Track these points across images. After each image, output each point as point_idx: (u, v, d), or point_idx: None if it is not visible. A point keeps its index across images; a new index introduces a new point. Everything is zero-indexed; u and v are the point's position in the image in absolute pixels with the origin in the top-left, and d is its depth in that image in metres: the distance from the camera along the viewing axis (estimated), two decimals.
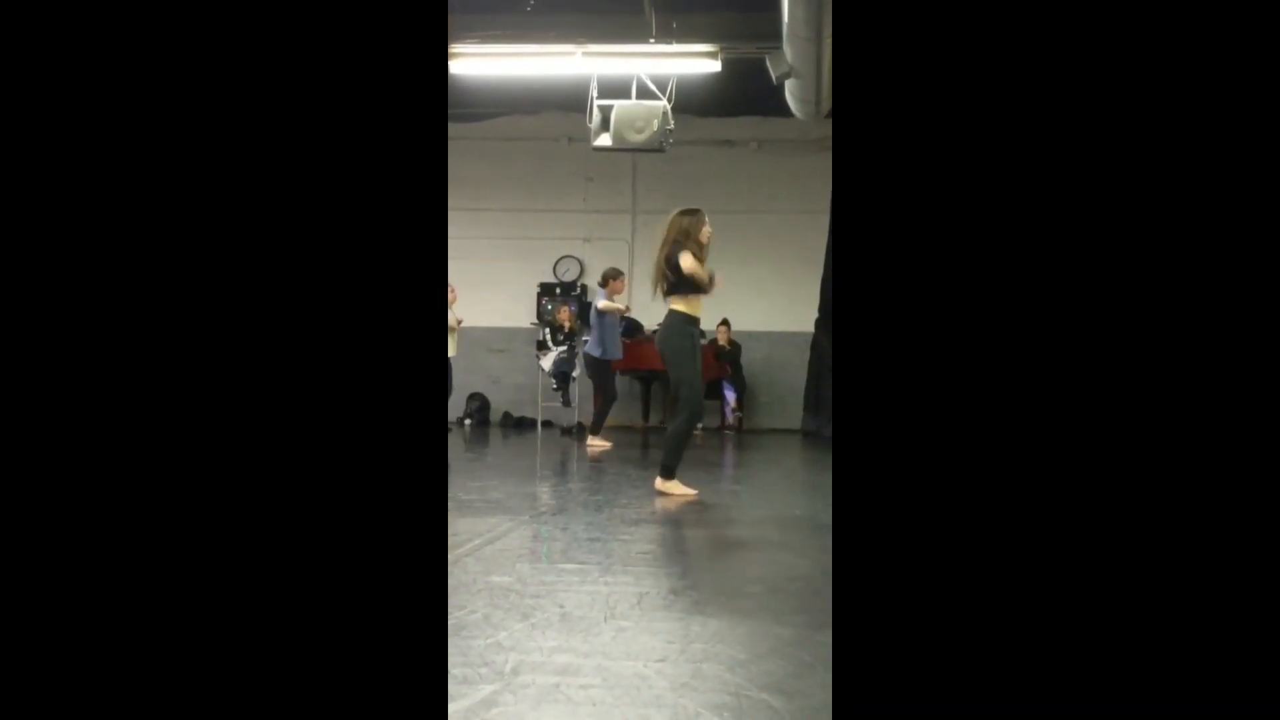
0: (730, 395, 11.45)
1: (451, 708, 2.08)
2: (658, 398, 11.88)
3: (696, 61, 7.99)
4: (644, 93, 7.94)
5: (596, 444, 8.67)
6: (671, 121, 7.85)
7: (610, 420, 10.12)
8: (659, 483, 5.56)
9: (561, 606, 3.00)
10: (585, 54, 7.94)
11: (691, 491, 5.51)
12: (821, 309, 10.98)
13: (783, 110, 9.26)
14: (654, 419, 11.84)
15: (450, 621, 2.79)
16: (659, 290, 5.54)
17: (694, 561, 3.78)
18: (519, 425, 11.94)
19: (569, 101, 9.27)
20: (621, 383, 11.86)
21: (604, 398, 9.06)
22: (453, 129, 12.31)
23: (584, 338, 11.35)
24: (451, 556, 3.74)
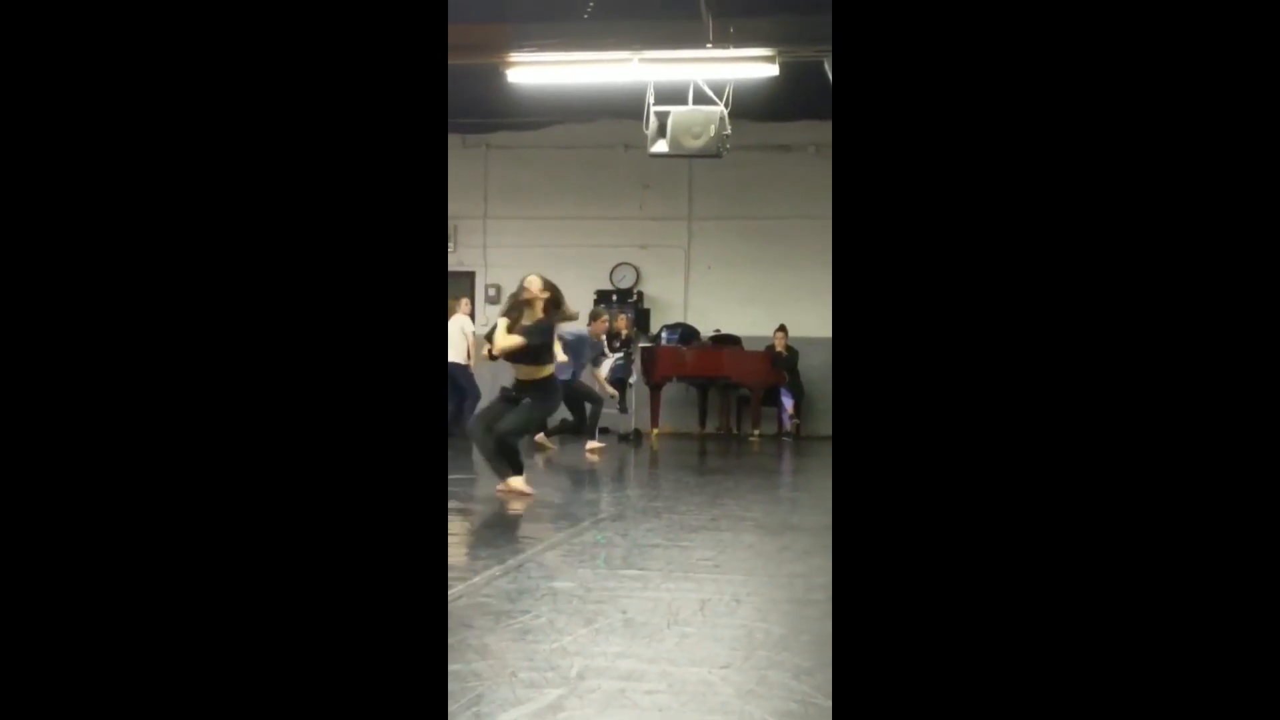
0: (788, 402, 11.39)
1: (519, 711, 2.09)
2: (714, 404, 11.85)
3: (753, 66, 7.96)
4: (700, 98, 7.93)
5: (545, 442, 8.62)
6: (728, 127, 7.83)
7: (666, 427, 10.09)
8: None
9: (624, 612, 3.00)
10: (641, 60, 7.94)
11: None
12: None
13: None
14: (710, 425, 11.82)
15: (515, 625, 2.80)
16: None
17: (756, 568, 3.76)
18: (577, 432, 11.97)
19: (625, 108, 9.28)
20: (678, 389, 11.85)
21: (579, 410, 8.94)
22: (509, 138, 12.41)
23: (641, 343, 11.37)
24: (514, 562, 3.76)
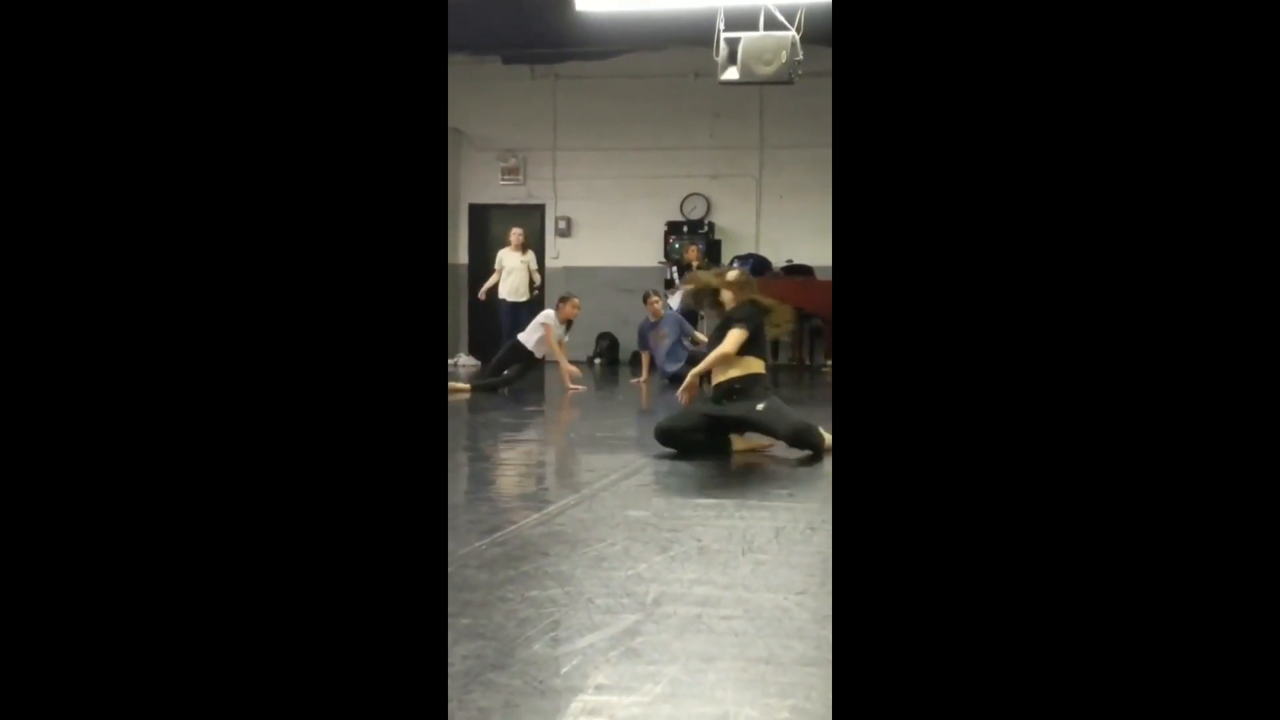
0: None
1: (597, 636, 2.12)
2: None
3: None
4: (772, 23, 7.77)
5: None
6: (800, 53, 7.66)
7: None
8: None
9: (699, 540, 3.01)
10: None
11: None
12: None
13: None
14: (783, 357, 11.77)
15: (590, 553, 2.83)
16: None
17: (830, 496, 3.75)
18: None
19: (695, 35, 9.13)
20: None
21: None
22: (578, 68, 12.33)
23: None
24: (588, 491, 3.79)
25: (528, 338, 8.40)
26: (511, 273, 10.50)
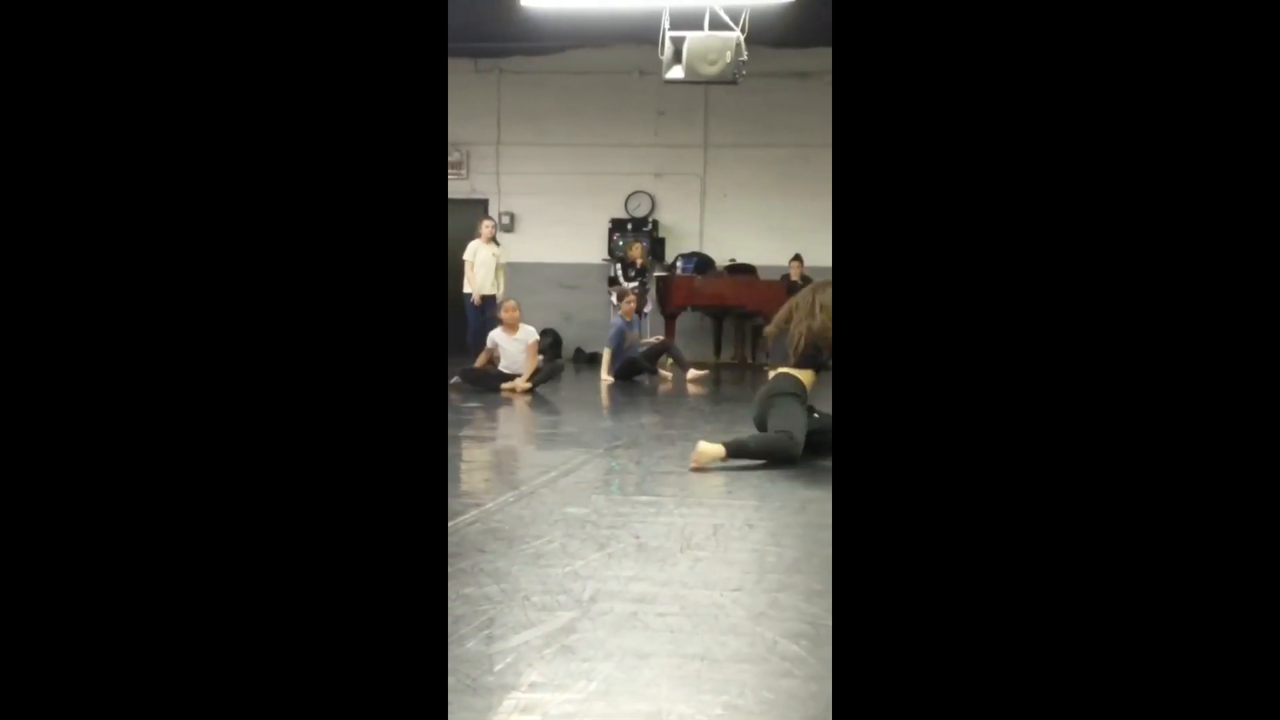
0: None
1: (532, 633, 2.11)
2: (728, 334, 11.85)
3: None
4: (717, 23, 7.80)
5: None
6: (745, 53, 7.70)
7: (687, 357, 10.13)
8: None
9: (637, 537, 3.02)
10: None
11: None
12: None
13: None
14: (725, 355, 11.82)
15: (528, 550, 2.82)
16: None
17: (769, 493, 3.77)
18: (591, 361, 11.98)
19: (641, 33, 9.16)
20: (693, 319, 11.83)
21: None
22: (523, 63, 12.28)
23: (656, 273, 11.32)
24: (528, 488, 3.78)
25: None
26: (482, 265, 10.28)
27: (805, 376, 4.64)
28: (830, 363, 4.40)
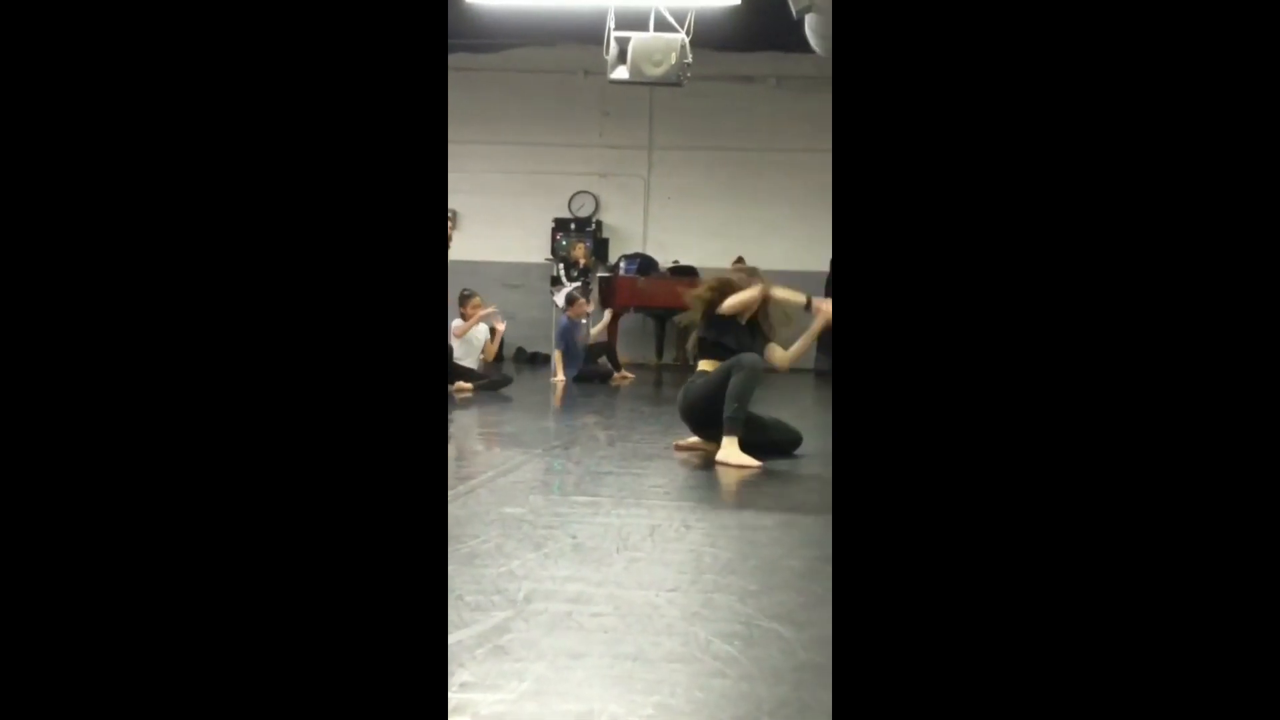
0: None
1: (464, 633, 2.10)
2: (671, 336, 11.88)
3: None
4: (662, 25, 7.81)
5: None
6: (690, 55, 7.72)
7: (624, 357, 10.15)
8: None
9: (574, 537, 3.01)
10: None
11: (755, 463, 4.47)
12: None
13: (803, 46, 9.12)
14: (667, 356, 11.84)
15: (463, 550, 2.80)
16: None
17: (707, 495, 3.79)
18: (533, 360, 11.95)
19: (586, 33, 9.13)
20: (635, 320, 11.84)
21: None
22: (468, 60, 12.20)
23: (599, 273, 11.32)
24: (465, 488, 3.76)
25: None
26: None
27: (709, 366, 4.90)
28: (722, 343, 4.88)
